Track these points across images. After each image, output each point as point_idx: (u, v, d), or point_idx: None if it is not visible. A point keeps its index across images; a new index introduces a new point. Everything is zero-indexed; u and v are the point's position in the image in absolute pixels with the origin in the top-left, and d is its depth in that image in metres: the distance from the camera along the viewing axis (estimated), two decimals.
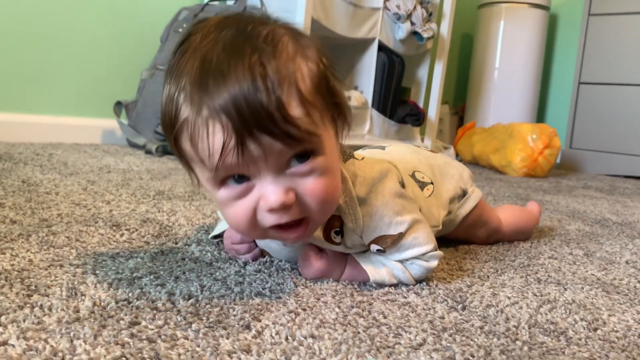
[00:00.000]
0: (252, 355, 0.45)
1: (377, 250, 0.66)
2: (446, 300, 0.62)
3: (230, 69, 0.48)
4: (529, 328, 0.56)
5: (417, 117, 2.28)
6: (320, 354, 0.46)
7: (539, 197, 1.59)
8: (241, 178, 0.53)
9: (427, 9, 2.20)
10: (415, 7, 2.14)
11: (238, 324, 0.50)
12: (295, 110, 0.50)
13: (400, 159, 0.81)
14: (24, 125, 1.72)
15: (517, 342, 0.52)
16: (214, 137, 0.49)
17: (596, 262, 0.87)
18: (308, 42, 0.55)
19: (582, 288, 0.71)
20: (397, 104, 2.26)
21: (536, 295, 0.67)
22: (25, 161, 1.32)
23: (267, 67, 0.49)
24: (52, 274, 0.59)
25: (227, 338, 0.47)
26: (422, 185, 0.79)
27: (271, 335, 0.49)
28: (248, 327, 0.50)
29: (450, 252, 0.85)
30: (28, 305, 0.50)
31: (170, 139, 0.54)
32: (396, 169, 0.69)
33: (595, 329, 0.57)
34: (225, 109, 0.48)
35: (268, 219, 0.54)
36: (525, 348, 0.51)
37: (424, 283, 0.67)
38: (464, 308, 0.61)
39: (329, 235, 0.65)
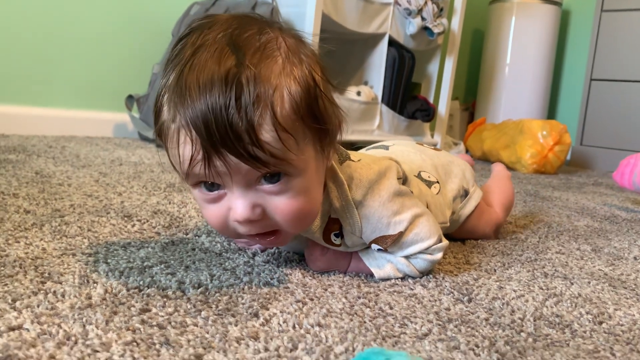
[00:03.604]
0: (260, 342, 0.46)
1: (379, 249, 0.66)
2: (452, 292, 0.63)
3: (208, 82, 0.48)
4: (534, 320, 0.56)
5: (427, 113, 2.28)
6: (326, 341, 0.47)
7: (548, 194, 1.58)
8: (212, 185, 0.53)
9: (438, 4, 2.20)
10: (426, 3, 2.13)
11: (246, 312, 0.51)
12: (266, 134, 0.49)
13: (405, 159, 0.81)
14: (37, 119, 1.75)
15: (522, 333, 0.53)
16: (184, 147, 0.49)
17: (604, 257, 0.87)
18: (303, 58, 0.54)
19: (589, 283, 0.72)
20: (407, 99, 2.26)
21: (542, 289, 0.67)
22: (38, 153, 1.33)
23: (245, 87, 0.48)
24: (65, 262, 0.60)
25: (236, 325, 0.48)
26: (429, 184, 0.79)
27: (279, 323, 0.49)
28: (256, 315, 0.51)
29: (457, 246, 0.85)
30: (42, 291, 0.51)
31: (156, 131, 0.54)
32: (397, 165, 0.69)
33: (601, 323, 0.58)
34: (195, 124, 0.48)
35: (239, 229, 0.55)
36: (530, 339, 0.51)
37: (431, 275, 0.68)
38: (469, 300, 0.61)
39: (328, 238, 0.65)
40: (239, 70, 0.48)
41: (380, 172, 0.65)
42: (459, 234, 0.89)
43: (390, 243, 0.65)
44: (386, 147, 0.88)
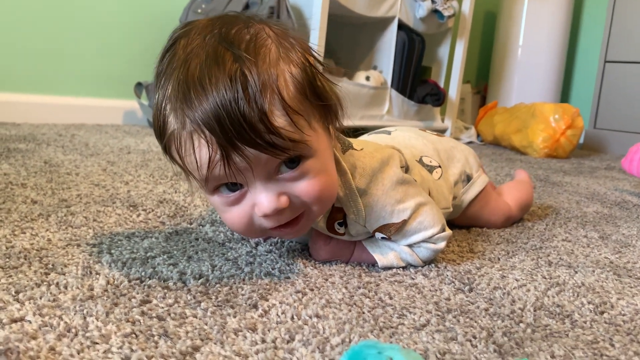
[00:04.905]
0: (257, 333, 0.46)
1: (382, 237, 0.66)
2: (453, 282, 0.63)
3: (211, 81, 0.47)
4: (535, 310, 0.56)
5: (437, 97, 2.26)
6: (323, 333, 0.47)
7: (559, 179, 1.57)
8: (233, 185, 0.53)
9: None
10: None
11: (245, 303, 0.52)
12: (279, 119, 0.49)
13: (406, 144, 0.81)
14: (48, 107, 1.76)
15: (521, 324, 0.53)
16: (200, 151, 0.49)
17: (611, 245, 0.86)
18: (293, 42, 0.54)
19: (593, 271, 0.71)
20: (417, 83, 2.24)
21: (545, 278, 0.67)
22: (48, 142, 1.35)
23: (249, 77, 0.48)
24: (69, 253, 0.61)
25: (234, 317, 0.49)
26: (430, 169, 0.79)
27: (277, 314, 0.50)
28: (255, 306, 0.51)
29: (462, 234, 0.85)
30: (45, 283, 0.52)
31: (162, 146, 0.53)
32: (399, 153, 0.69)
33: (602, 312, 0.58)
34: (208, 123, 0.47)
35: (266, 223, 0.54)
36: (529, 330, 0.51)
37: (433, 265, 0.68)
38: (470, 290, 0.61)
39: (332, 227, 0.65)
40: (239, 64, 0.48)
41: (384, 161, 0.65)
42: (463, 221, 0.89)
43: (394, 231, 0.65)
44: (388, 132, 0.88)
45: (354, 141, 0.68)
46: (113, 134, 1.63)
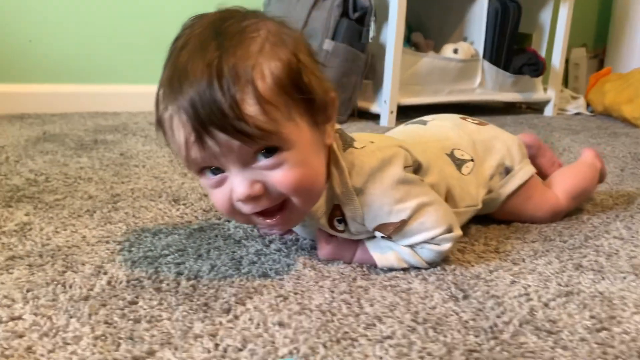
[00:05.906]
0: (215, 340, 0.49)
1: (383, 237, 0.66)
2: (450, 288, 0.61)
3: (192, 68, 0.51)
4: (520, 325, 0.53)
5: (535, 67, 2.10)
6: (275, 343, 0.49)
7: None
8: (217, 169, 0.56)
9: None
10: None
11: (220, 308, 0.55)
12: (250, 108, 0.51)
13: (440, 136, 0.79)
14: (146, 96, 1.91)
15: (493, 341, 0.50)
16: (179, 132, 0.53)
17: None
18: (285, 38, 0.56)
19: (624, 278, 0.65)
20: (513, 53, 2.10)
21: (560, 285, 0.63)
22: (134, 132, 1.47)
23: (225, 65, 0.51)
24: (95, 250, 0.68)
25: (202, 321, 0.52)
26: (460, 163, 0.76)
27: (245, 321, 0.53)
28: (228, 311, 0.54)
29: (499, 230, 0.81)
30: (54, 282, 0.59)
31: (155, 126, 0.58)
32: (406, 152, 0.67)
33: (600, 330, 0.53)
34: (184, 107, 0.51)
35: (243, 208, 0.57)
36: (498, 348, 0.49)
37: (438, 268, 0.66)
38: (465, 297, 0.59)
39: (332, 224, 0.66)
40: (219, 53, 0.52)
41: (385, 160, 0.65)
42: (504, 216, 0.84)
43: (392, 230, 0.64)
44: (424, 122, 0.86)
45: (357, 138, 0.68)
46: None
